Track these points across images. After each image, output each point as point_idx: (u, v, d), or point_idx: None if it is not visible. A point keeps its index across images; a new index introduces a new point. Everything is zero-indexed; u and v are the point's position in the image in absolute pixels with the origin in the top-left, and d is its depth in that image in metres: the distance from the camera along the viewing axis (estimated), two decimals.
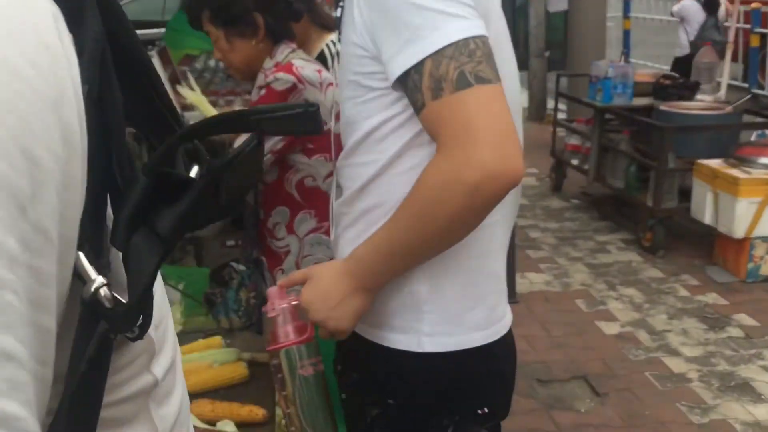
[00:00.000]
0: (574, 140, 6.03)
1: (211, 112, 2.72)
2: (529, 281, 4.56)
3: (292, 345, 1.23)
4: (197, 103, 2.71)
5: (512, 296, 4.07)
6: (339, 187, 1.29)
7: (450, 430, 1.27)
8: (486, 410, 1.30)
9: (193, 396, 1.89)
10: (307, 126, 0.48)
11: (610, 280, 4.59)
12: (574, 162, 6.00)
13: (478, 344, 1.25)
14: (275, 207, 1.89)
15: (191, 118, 2.81)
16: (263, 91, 1.85)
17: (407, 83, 1.08)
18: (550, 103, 7.80)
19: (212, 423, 1.78)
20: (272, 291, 1.26)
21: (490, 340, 1.27)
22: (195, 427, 1.74)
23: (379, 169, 1.18)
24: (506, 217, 1.30)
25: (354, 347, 1.31)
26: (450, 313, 1.22)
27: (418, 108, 1.08)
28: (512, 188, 1.05)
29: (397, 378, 1.26)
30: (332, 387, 1.37)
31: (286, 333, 1.23)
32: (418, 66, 1.04)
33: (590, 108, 5.68)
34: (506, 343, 1.35)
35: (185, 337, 2.28)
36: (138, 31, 0.49)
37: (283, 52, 1.90)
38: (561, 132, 6.32)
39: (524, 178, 1.06)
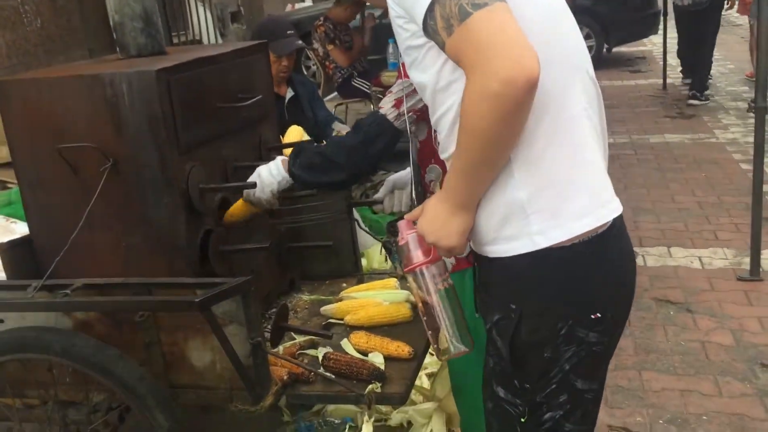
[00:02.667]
0: None
1: None
2: None
3: (422, 265, 1.40)
4: None
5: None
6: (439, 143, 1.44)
7: (563, 332, 1.35)
8: (599, 315, 1.35)
9: (358, 327, 2.13)
10: None
11: None
12: None
13: (585, 229, 1.32)
14: (429, 164, 2.00)
15: None
16: None
17: (428, 30, 1.25)
18: None
19: (365, 353, 1.99)
20: (401, 223, 1.45)
21: (597, 224, 1.33)
22: (349, 355, 1.97)
23: (456, 112, 1.31)
24: (587, 109, 1.37)
25: (481, 271, 1.46)
26: (553, 207, 1.31)
27: (442, 47, 1.24)
28: (533, 87, 1.16)
29: (517, 281, 1.36)
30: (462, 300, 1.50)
31: (416, 256, 1.41)
32: (430, 12, 1.22)
33: None
34: (618, 242, 1.40)
35: (371, 276, 2.54)
36: None
37: None
38: None
39: None
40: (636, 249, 4.15)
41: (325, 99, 6.49)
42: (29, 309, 1.79)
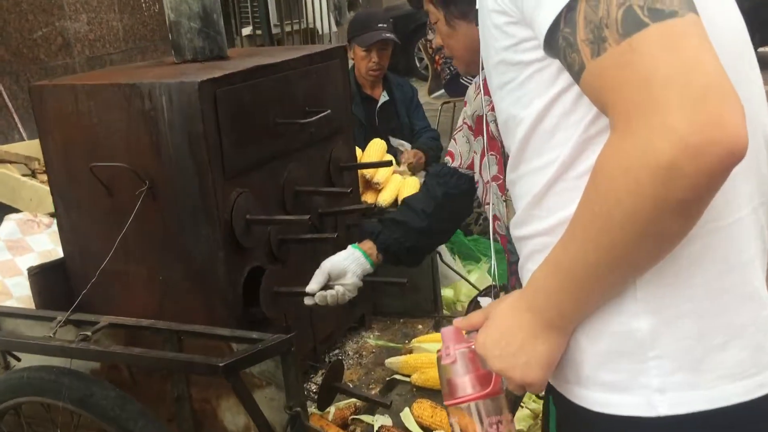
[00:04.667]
0: None
1: None
2: None
3: (473, 400, 0.95)
4: None
5: None
6: (513, 209, 1.00)
7: None
8: None
9: (426, 389, 1.80)
10: None
11: None
12: None
13: (738, 401, 0.85)
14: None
15: None
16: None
17: (558, 41, 0.79)
18: None
19: (428, 430, 1.65)
20: (447, 332, 0.99)
21: (758, 394, 0.86)
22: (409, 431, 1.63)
23: (556, 173, 0.87)
24: (757, 209, 0.90)
25: (563, 411, 0.97)
26: (689, 356, 0.85)
27: (575, 73, 0.78)
28: (731, 166, 0.70)
29: None
30: None
31: (465, 385, 0.95)
32: (570, 13, 0.76)
33: None
34: None
35: (451, 320, 2.19)
36: None
37: None
38: None
39: None
40: None
41: (432, 96, 6.16)
42: (43, 352, 1.57)
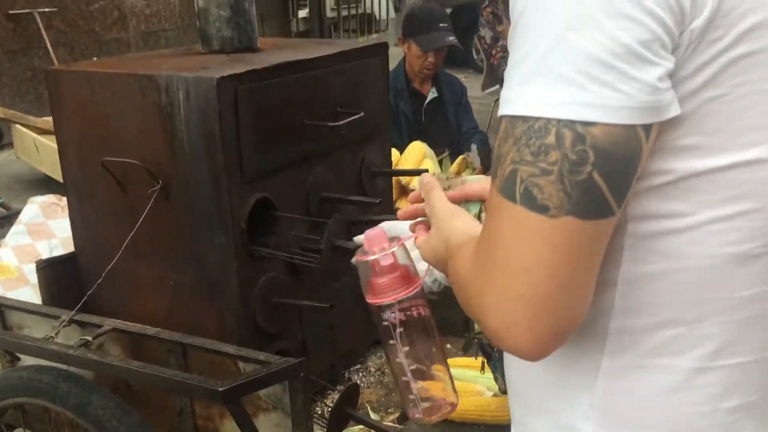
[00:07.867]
0: None
1: None
2: None
3: (403, 296, 0.88)
4: None
5: None
6: None
7: None
8: None
9: (444, 423, 1.66)
10: None
11: None
12: None
13: None
14: None
15: None
16: None
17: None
18: None
19: None
20: (372, 233, 0.90)
21: None
22: None
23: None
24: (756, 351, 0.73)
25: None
26: None
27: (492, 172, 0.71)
28: (534, 359, 0.68)
29: None
30: None
31: (392, 283, 0.89)
32: (511, 117, 0.64)
33: None
34: None
35: (482, 342, 2.05)
36: None
37: None
38: None
39: None
40: None
41: (486, 91, 5.96)
42: (39, 355, 1.49)
